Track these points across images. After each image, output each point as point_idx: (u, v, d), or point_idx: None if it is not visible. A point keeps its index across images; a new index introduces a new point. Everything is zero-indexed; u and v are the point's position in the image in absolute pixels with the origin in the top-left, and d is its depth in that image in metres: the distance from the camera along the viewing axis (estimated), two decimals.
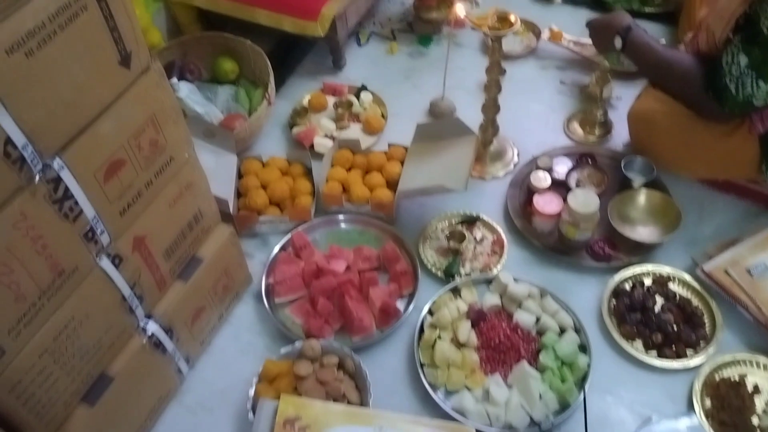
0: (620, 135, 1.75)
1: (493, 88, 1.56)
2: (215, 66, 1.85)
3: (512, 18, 1.42)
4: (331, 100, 1.86)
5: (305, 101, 1.85)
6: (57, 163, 0.91)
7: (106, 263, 1.06)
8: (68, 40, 0.87)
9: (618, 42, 1.58)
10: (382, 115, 1.83)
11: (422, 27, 2.07)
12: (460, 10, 1.45)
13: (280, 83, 1.93)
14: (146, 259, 1.15)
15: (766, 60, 1.27)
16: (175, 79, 1.72)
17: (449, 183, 1.47)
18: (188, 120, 1.63)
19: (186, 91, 1.71)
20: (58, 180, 0.92)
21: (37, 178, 0.89)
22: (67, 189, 0.93)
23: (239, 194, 1.63)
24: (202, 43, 1.87)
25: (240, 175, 1.66)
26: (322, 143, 1.74)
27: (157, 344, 1.22)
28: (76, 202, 0.96)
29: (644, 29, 1.60)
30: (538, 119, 1.82)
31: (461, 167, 1.52)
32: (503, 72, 1.53)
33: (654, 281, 1.44)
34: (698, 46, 1.49)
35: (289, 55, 2.02)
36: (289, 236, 1.54)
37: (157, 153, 1.10)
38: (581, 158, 1.66)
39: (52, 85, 0.87)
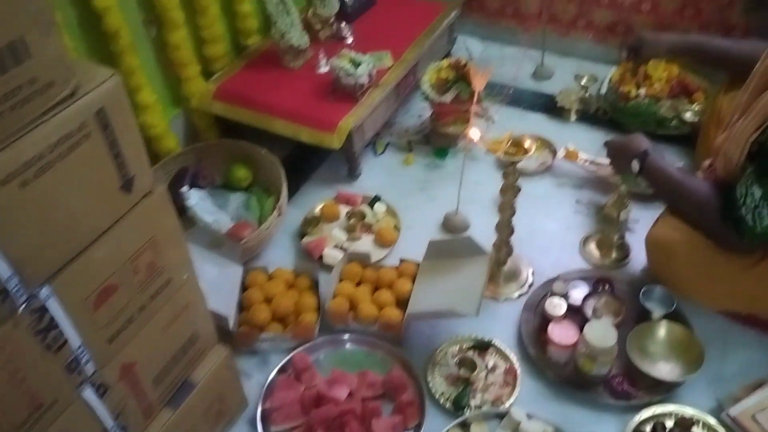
0: (638, 259, 1.68)
1: (507, 210, 1.52)
2: (229, 173, 1.85)
3: (527, 144, 1.40)
4: (343, 210, 1.84)
5: (317, 210, 1.83)
6: (44, 292, 0.87)
7: (89, 394, 0.99)
8: (68, 169, 0.85)
9: (635, 165, 1.56)
10: (396, 227, 1.80)
11: (439, 140, 2.07)
12: (474, 134, 1.44)
13: (293, 190, 1.92)
14: (133, 387, 1.08)
15: None
16: (186, 187, 1.71)
17: (461, 308, 1.41)
18: (195, 230, 1.62)
19: (196, 198, 1.69)
20: (43, 310, 0.87)
21: (21, 309, 0.84)
22: (52, 319, 0.88)
23: (242, 308, 1.57)
24: (217, 149, 1.88)
25: (244, 287, 1.61)
26: (331, 255, 1.70)
27: None
28: (61, 333, 0.91)
29: (662, 154, 1.58)
30: (553, 239, 1.77)
31: (474, 290, 1.46)
32: (518, 192, 1.50)
33: (676, 423, 1.34)
34: (716, 173, 1.46)
35: (304, 161, 2.02)
36: (290, 356, 1.47)
37: (154, 276, 1.06)
38: (598, 283, 1.60)
39: (46, 214, 0.84)
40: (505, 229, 1.57)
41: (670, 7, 2.16)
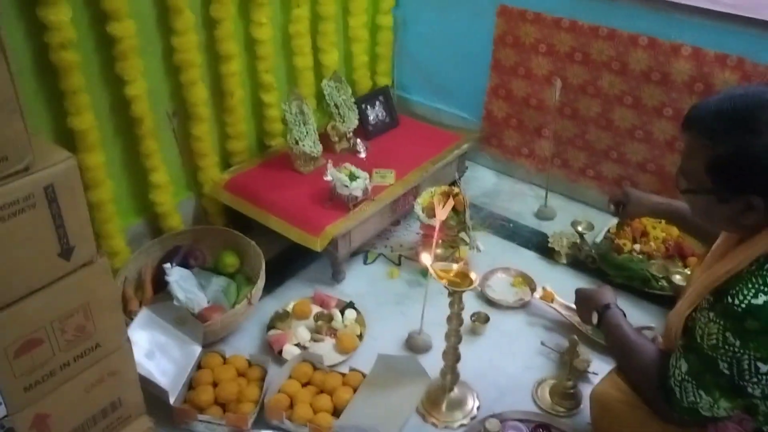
0: (587, 411, 1.66)
1: (452, 337, 1.56)
2: (219, 257, 1.98)
3: (473, 276, 1.47)
4: (315, 310, 1.91)
5: (290, 306, 1.92)
6: None
7: None
8: (9, 230, 0.98)
9: (594, 317, 1.59)
10: (360, 336, 1.85)
11: None
12: (425, 259, 1.52)
13: (278, 283, 2.03)
14: None
15: (702, 371, 1.22)
16: (170, 265, 1.85)
17: (383, 428, 1.43)
18: (167, 305, 1.73)
19: (176, 276, 1.82)
20: None
21: None
22: None
23: (190, 386, 1.65)
24: (213, 234, 2.02)
25: (199, 366, 1.69)
26: (290, 351, 1.77)
27: None
28: None
29: (623, 311, 1.60)
30: (510, 376, 1.78)
31: (403, 413, 1.48)
32: (461, 323, 1.55)
33: None
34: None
35: (297, 259, 2.13)
36: None
37: (82, 338, 1.17)
38: (536, 429, 1.58)
39: None
40: (450, 356, 1.60)
41: (672, 170, 2.21)
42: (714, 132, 1.16)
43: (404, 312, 1.97)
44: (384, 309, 1.98)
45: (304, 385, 1.67)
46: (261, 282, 1.84)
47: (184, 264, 1.94)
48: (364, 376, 1.67)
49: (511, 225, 2.34)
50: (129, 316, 1.72)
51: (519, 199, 2.49)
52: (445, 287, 1.48)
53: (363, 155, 2.28)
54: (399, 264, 2.17)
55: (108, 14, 1.68)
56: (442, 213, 1.78)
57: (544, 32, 2.30)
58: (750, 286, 1.13)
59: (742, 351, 1.13)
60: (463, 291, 1.47)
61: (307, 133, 2.11)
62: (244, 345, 1.83)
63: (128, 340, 1.28)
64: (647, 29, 2.09)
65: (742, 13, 1.93)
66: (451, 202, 1.85)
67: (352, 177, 1.99)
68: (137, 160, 1.92)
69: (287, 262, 2.11)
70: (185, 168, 2.08)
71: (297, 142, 2.09)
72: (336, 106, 2.23)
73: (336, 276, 2.06)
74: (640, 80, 2.17)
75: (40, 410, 1.15)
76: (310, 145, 2.11)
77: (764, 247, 1.17)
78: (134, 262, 1.91)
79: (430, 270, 1.49)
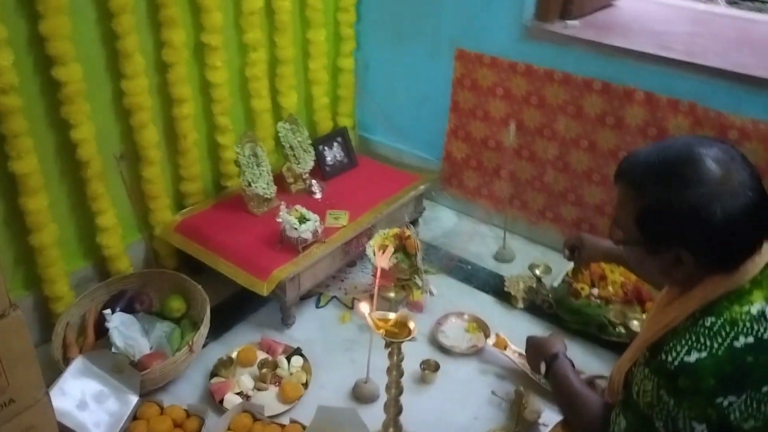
0: None
1: (393, 389, 1.53)
2: (165, 302, 1.94)
3: (411, 326, 1.44)
4: (261, 357, 1.87)
5: (234, 353, 1.87)
6: None
7: None
8: None
9: (542, 367, 1.57)
10: (305, 384, 1.81)
11: (379, 303, 2.11)
12: (364, 308, 1.49)
13: (226, 329, 1.99)
14: None
15: (639, 428, 1.19)
16: (109, 311, 1.82)
17: None
18: (99, 353, 1.69)
19: (116, 322, 1.78)
20: None
21: None
22: None
23: None
24: (160, 278, 1.99)
25: (135, 417, 1.64)
26: (231, 401, 1.72)
27: None
28: None
29: (572, 361, 1.57)
30: (458, 426, 1.74)
31: None
32: (402, 374, 1.51)
33: None
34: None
35: (247, 301, 2.08)
36: None
37: None
38: None
39: None
40: (392, 408, 1.57)
41: None
42: (641, 183, 1.15)
43: (354, 359, 1.93)
44: (333, 355, 1.94)
45: None
46: (204, 328, 1.81)
47: (130, 308, 1.91)
48: (304, 428, 1.62)
49: (469, 267, 2.32)
50: (67, 363, 1.68)
51: (478, 240, 2.47)
52: (383, 338, 1.45)
53: (318, 196, 2.27)
54: (351, 308, 2.13)
55: (53, 59, 1.67)
56: (382, 260, 1.75)
57: (500, 76, 2.32)
58: (684, 342, 1.10)
59: (676, 410, 1.10)
60: (401, 342, 1.44)
61: (260, 174, 2.10)
62: (185, 393, 1.79)
63: (47, 394, 1.24)
64: (601, 74, 2.11)
65: (692, 60, 1.95)
66: (390, 249, 1.83)
67: (302, 219, 1.97)
68: (84, 203, 1.90)
69: (237, 306, 2.07)
70: (135, 210, 2.05)
71: (250, 184, 2.08)
72: (291, 147, 2.22)
73: (285, 321, 2.03)
74: (595, 124, 2.18)
75: None
76: (263, 186, 2.10)
77: (699, 302, 1.14)
78: (77, 306, 1.87)
79: (368, 319, 1.46)
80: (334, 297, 2.17)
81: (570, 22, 2.18)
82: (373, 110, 2.72)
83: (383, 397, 1.78)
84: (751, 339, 1.05)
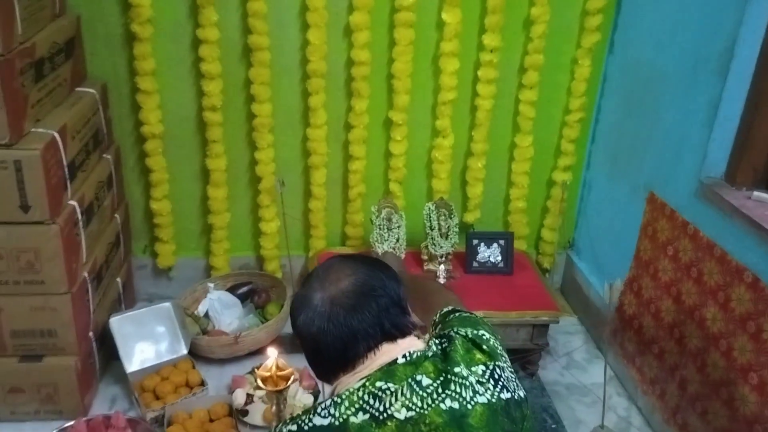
0: None
1: None
2: (268, 304, 2.35)
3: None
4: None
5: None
6: None
7: None
8: None
9: None
10: None
11: None
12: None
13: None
14: None
15: None
16: (212, 286, 2.32)
17: None
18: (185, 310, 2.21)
19: (215, 297, 2.28)
20: None
21: None
22: None
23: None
24: (282, 287, 2.40)
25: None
26: (237, 396, 2.01)
27: None
28: None
29: None
30: None
31: None
32: None
33: None
34: None
35: None
36: None
37: (30, 271, 1.74)
38: None
39: None
40: None
41: None
42: None
43: None
44: None
45: None
46: (266, 335, 2.16)
47: (249, 297, 2.38)
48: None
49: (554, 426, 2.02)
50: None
51: (592, 408, 2.10)
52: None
53: (441, 281, 2.31)
54: None
55: (253, 96, 2.23)
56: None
57: (674, 232, 1.96)
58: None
59: None
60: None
61: (386, 238, 2.30)
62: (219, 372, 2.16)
63: (69, 294, 1.78)
64: (755, 265, 1.61)
65: None
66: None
67: None
68: (255, 207, 2.44)
69: None
70: (285, 227, 2.42)
71: (373, 243, 2.30)
72: (431, 228, 2.34)
73: None
74: (737, 325, 1.66)
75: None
76: (383, 249, 2.29)
77: None
78: (220, 279, 2.44)
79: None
80: None
81: (759, 194, 1.71)
82: (583, 232, 2.56)
83: None
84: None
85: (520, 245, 2.56)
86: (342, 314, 1.06)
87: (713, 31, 1.77)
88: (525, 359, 2.25)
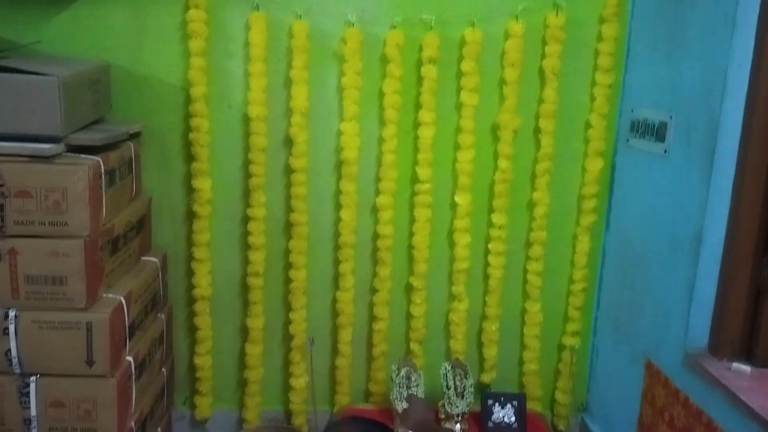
0: None
1: None
2: None
3: None
4: None
5: None
6: None
7: None
8: None
9: None
10: None
11: None
12: None
13: None
14: None
15: None
16: None
17: None
18: None
19: None
20: None
21: None
22: None
23: None
24: None
25: None
26: None
27: None
28: None
29: None
30: None
31: None
32: None
33: None
34: None
35: None
36: None
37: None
38: None
39: None
40: None
41: None
42: None
43: None
44: None
45: None
46: None
47: None
48: None
49: None
50: None
51: None
52: None
53: None
54: None
55: (291, 263, 2.57)
56: None
57: (668, 399, 2.11)
58: None
59: None
60: None
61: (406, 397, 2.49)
62: None
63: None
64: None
65: None
66: None
67: None
68: (286, 363, 2.68)
69: None
70: (311, 385, 2.65)
71: (393, 401, 2.49)
72: (447, 387, 2.52)
73: None
74: None
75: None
76: (402, 407, 2.47)
77: None
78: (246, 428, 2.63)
79: None
80: None
81: (737, 365, 1.88)
82: (595, 395, 2.70)
83: None
84: None
85: (535, 406, 2.70)
86: None
87: (684, 218, 2.04)
88: None
